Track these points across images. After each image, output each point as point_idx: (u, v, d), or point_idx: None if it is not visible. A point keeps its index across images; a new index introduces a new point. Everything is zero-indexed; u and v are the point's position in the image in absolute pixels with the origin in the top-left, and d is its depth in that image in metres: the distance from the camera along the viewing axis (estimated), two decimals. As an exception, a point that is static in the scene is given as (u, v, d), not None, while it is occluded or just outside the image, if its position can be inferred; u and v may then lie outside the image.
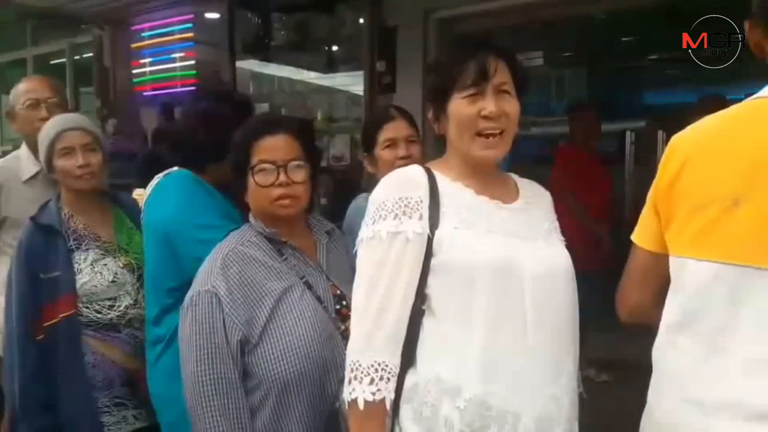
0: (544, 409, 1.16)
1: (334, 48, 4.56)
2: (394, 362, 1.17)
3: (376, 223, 1.21)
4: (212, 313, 1.33)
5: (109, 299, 1.81)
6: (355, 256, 1.26)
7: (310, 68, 4.83)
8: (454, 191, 1.24)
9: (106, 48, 5.33)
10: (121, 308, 1.82)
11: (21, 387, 1.72)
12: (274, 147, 1.41)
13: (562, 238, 1.33)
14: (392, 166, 1.79)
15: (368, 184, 2.04)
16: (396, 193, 1.22)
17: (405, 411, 1.18)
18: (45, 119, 2.00)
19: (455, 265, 1.17)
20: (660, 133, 4.43)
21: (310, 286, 1.42)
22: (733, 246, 1.02)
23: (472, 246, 1.17)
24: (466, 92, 1.21)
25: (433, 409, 1.15)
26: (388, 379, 1.15)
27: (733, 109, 1.10)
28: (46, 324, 1.75)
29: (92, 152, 1.84)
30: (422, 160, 1.75)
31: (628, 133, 5.22)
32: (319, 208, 4.02)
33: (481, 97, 1.21)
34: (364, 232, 1.23)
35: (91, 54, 5.53)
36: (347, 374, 1.18)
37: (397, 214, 1.19)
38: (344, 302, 1.46)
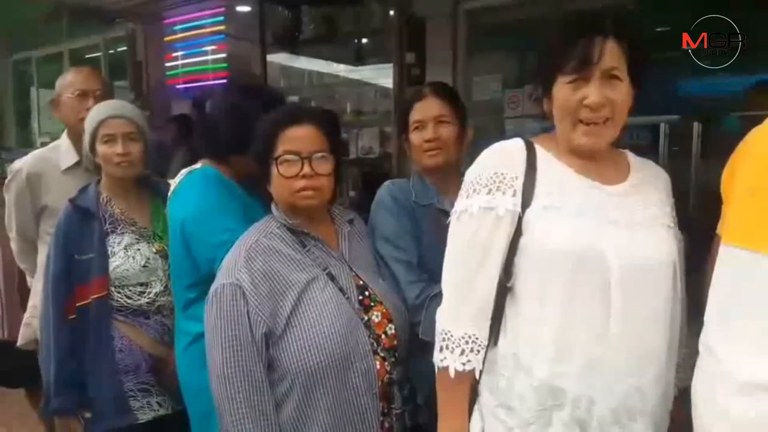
0: (624, 400, 1.14)
1: (363, 41, 4.54)
2: (483, 335, 1.20)
3: (469, 197, 1.21)
4: (236, 306, 1.33)
5: (141, 284, 1.85)
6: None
7: (338, 61, 4.83)
8: (553, 169, 1.21)
9: (139, 42, 5.41)
10: (151, 295, 1.86)
11: (56, 364, 1.78)
12: (299, 138, 1.40)
13: (672, 222, 1.25)
14: (420, 150, 1.70)
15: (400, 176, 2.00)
16: (492, 167, 1.21)
17: (484, 380, 1.22)
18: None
19: (536, 246, 1.16)
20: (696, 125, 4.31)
21: (332, 278, 1.42)
22: (745, 232, 1.05)
23: (555, 229, 1.15)
24: (569, 77, 1.16)
25: (509, 382, 1.18)
26: (478, 351, 1.20)
27: None
28: (78, 304, 1.80)
29: (133, 141, 1.88)
30: (456, 142, 1.69)
31: (662, 125, 5.09)
32: (348, 201, 4.04)
33: (585, 83, 1.15)
34: (458, 205, 1.23)
35: (124, 48, 5.62)
36: (438, 341, 1.22)
37: (490, 189, 1.18)
38: (366, 292, 1.46)
